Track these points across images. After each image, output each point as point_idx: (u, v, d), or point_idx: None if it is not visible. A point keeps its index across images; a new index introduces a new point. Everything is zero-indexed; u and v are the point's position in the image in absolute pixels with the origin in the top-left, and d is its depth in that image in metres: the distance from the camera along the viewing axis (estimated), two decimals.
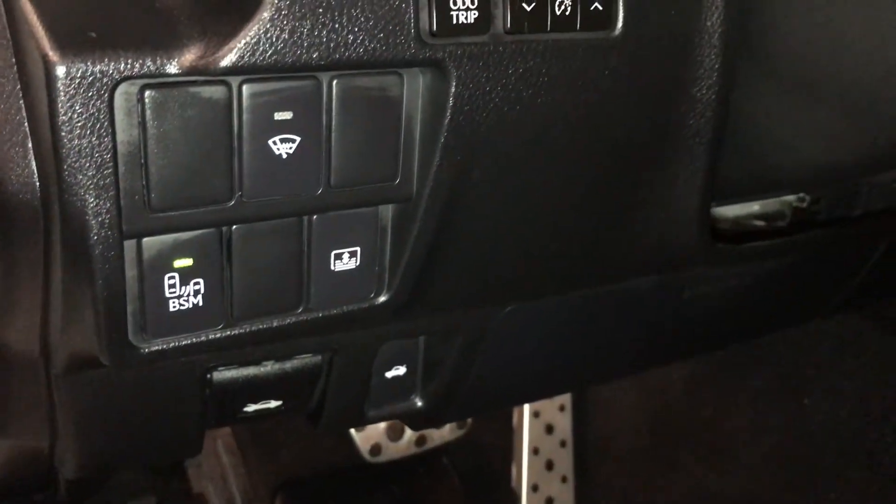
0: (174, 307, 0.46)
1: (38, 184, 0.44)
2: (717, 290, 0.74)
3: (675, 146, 0.57)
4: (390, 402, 0.65)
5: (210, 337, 0.48)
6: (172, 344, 0.47)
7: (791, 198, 0.75)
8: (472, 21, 0.45)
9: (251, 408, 0.58)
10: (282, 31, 0.42)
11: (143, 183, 0.43)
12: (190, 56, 0.41)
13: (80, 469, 0.57)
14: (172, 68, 0.41)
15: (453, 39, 0.45)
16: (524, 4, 0.47)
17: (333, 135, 0.46)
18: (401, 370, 0.63)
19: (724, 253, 0.67)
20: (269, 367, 0.56)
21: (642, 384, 1.38)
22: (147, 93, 0.41)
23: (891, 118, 0.55)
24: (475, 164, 0.50)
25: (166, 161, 0.42)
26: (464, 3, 0.45)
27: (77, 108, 0.39)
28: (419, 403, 0.66)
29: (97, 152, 0.41)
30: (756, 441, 1.28)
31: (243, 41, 0.41)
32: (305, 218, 0.48)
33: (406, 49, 0.44)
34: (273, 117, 0.44)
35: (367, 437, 1.25)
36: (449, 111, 0.47)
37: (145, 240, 0.44)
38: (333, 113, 0.45)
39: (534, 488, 1.37)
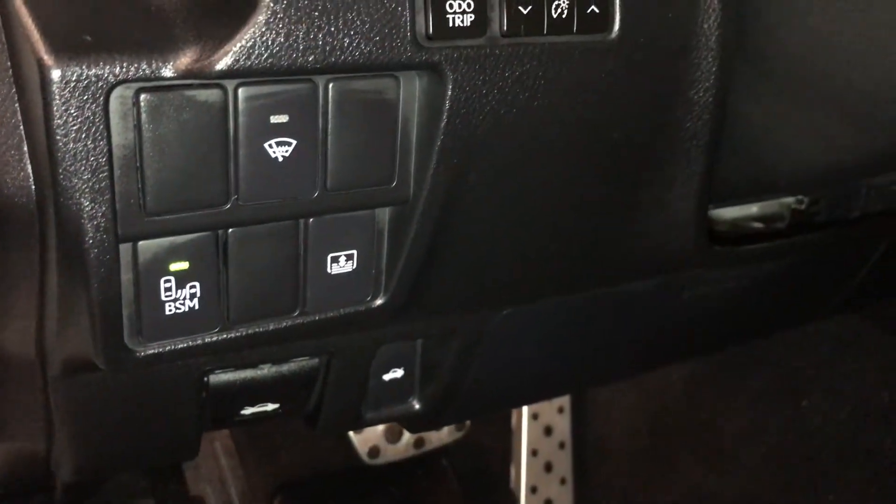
0: (170, 310, 0.46)
1: (33, 187, 0.44)
2: (716, 291, 0.74)
3: (672, 149, 0.56)
4: (388, 404, 0.65)
5: (206, 340, 0.48)
6: (168, 347, 0.47)
7: (789, 199, 0.75)
8: (469, 24, 0.45)
9: (248, 411, 0.58)
10: (277, 34, 0.42)
11: (139, 186, 0.43)
12: (185, 59, 0.41)
13: (77, 472, 0.57)
14: (168, 72, 0.41)
15: (449, 42, 0.45)
16: (520, 7, 0.46)
17: (329, 138, 0.46)
18: (398, 373, 0.63)
19: (722, 255, 0.67)
20: (266, 370, 0.56)
21: (641, 385, 1.38)
22: (142, 96, 0.41)
23: (887, 120, 0.55)
24: (472, 167, 0.50)
25: (162, 164, 0.42)
26: (460, 7, 0.45)
27: (72, 111, 0.39)
28: (417, 406, 0.66)
29: (92, 156, 0.41)
30: (755, 442, 1.28)
31: (239, 44, 0.41)
32: (302, 221, 0.48)
33: (402, 52, 0.44)
34: (269, 120, 0.44)
35: (366, 439, 1.25)
36: (445, 114, 0.47)
37: (141, 243, 0.44)
38: (329, 116, 0.45)
39: (533, 490, 1.37)
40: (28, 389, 0.53)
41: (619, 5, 0.49)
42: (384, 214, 0.51)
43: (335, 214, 0.49)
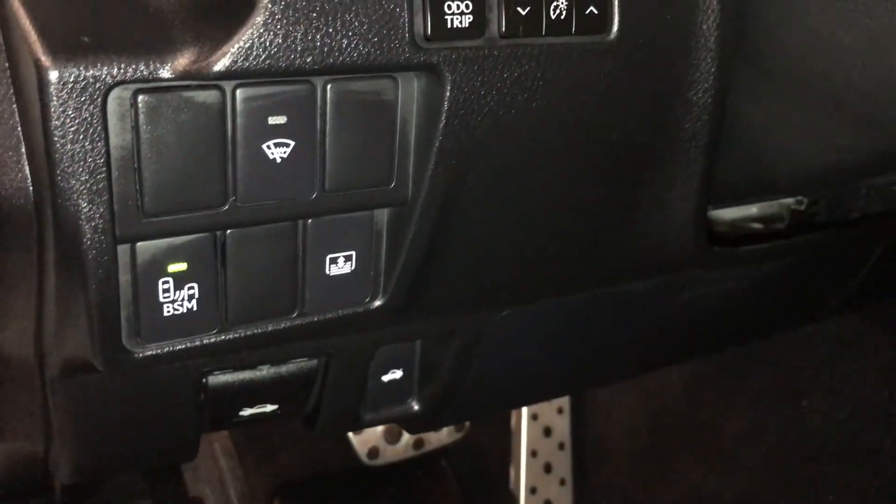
0: (168, 312, 0.46)
1: (31, 188, 0.44)
2: (715, 292, 0.74)
3: (671, 150, 0.56)
4: (387, 405, 0.65)
5: (205, 341, 0.48)
6: (167, 349, 0.47)
7: (789, 200, 0.75)
8: (467, 25, 0.45)
9: (247, 412, 0.58)
10: (275, 35, 0.41)
11: (137, 187, 0.42)
12: (183, 60, 0.41)
13: (76, 473, 0.57)
14: (166, 73, 0.41)
15: (448, 43, 0.45)
16: (519, 8, 0.46)
17: (328, 139, 0.46)
18: (397, 374, 0.63)
19: (722, 256, 0.67)
20: (264, 372, 0.56)
21: (641, 386, 1.38)
22: (140, 97, 0.41)
23: (887, 121, 0.55)
24: (470, 168, 0.50)
25: (160, 166, 0.42)
26: (458, 8, 0.45)
27: (70, 112, 0.39)
28: (416, 407, 0.66)
29: (90, 157, 0.41)
30: (755, 442, 1.28)
31: (237, 45, 0.41)
32: (300, 222, 0.48)
33: (400, 53, 0.44)
34: (267, 121, 0.44)
35: (365, 440, 1.25)
36: (444, 115, 0.47)
37: (139, 244, 0.44)
38: (328, 117, 0.45)
39: (532, 491, 1.36)
40: (26, 390, 0.53)
41: (618, 6, 0.49)
42: (383, 215, 0.51)
43: (333, 215, 0.49)
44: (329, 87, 0.45)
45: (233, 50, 0.41)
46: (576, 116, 0.51)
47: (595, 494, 1.41)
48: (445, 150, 0.48)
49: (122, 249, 0.44)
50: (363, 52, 0.43)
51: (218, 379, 0.55)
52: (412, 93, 0.47)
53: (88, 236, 0.42)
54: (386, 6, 0.43)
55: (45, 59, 0.39)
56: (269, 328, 0.50)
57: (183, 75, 0.41)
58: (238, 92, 0.43)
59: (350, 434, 1.24)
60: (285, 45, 0.42)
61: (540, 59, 0.48)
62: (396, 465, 1.28)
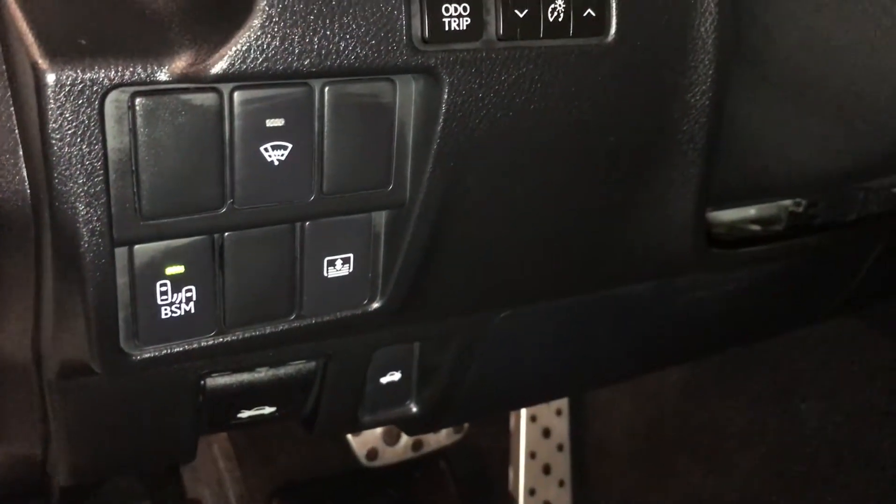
0: (166, 314, 0.46)
1: (28, 191, 0.44)
2: (714, 294, 0.74)
3: (669, 152, 0.56)
4: (385, 407, 0.65)
5: (202, 344, 0.48)
6: (164, 351, 0.47)
7: (787, 202, 0.75)
8: (465, 28, 0.45)
9: (245, 414, 0.58)
10: (273, 38, 0.41)
11: (134, 190, 0.42)
12: (181, 63, 0.41)
13: (74, 475, 0.57)
14: (163, 75, 0.41)
15: (445, 46, 0.45)
16: (517, 11, 0.46)
17: (326, 141, 0.46)
18: (395, 376, 0.63)
19: (720, 258, 0.67)
20: (262, 374, 0.56)
21: (639, 388, 1.38)
22: (138, 100, 0.41)
23: (883, 124, 0.55)
24: (468, 171, 0.50)
25: (157, 168, 0.42)
26: (456, 10, 0.45)
27: (67, 115, 0.39)
28: (414, 409, 0.66)
29: (87, 160, 0.41)
30: (753, 444, 1.28)
31: (234, 48, 0.41)
32: (298, 225, 0.48)
33: (398, 56, 0.44)
34: (265, 124, 0.44)
35: (364, 441, 1.25)
36: (442, 118, 0.47)
37: (137, 247, 0.44)
38: (325, 120, 0.45)
39: (531, 492, 1.36)
40: (24, 393, 0.53)
41: (616, 8, 0.49)
42: (380, 218, 0.51)
43: (331, 218, 0.49)
44: (327, 89, 0.45)
45: (230, 52, 0.41)
46: (574, 119, 0.51)
47: (594, 496, 1.41)
48: (443, 152, 0.48)
49: (120, 252, 0.44)
50: (361, 54, 0.43)
51: (216, 381, 0.55)
52: (410, 95, 0.47)
53: (86, 239, 0.42)
54: (383, 9, 0.43)
55: (42, 62, 0.39)
56: (267, 330, 0.50)
57: (180, 78, 0.41)
58: (235, 94, 0.43)
59: (349, 435, 1.24)
60: (283, 47, 0.42)
61: (538, 61, 0.48)
62: (395, 466, 1.28)
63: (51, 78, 0.39)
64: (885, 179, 0.76)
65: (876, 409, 1.19)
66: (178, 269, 0.46)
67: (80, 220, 0.41)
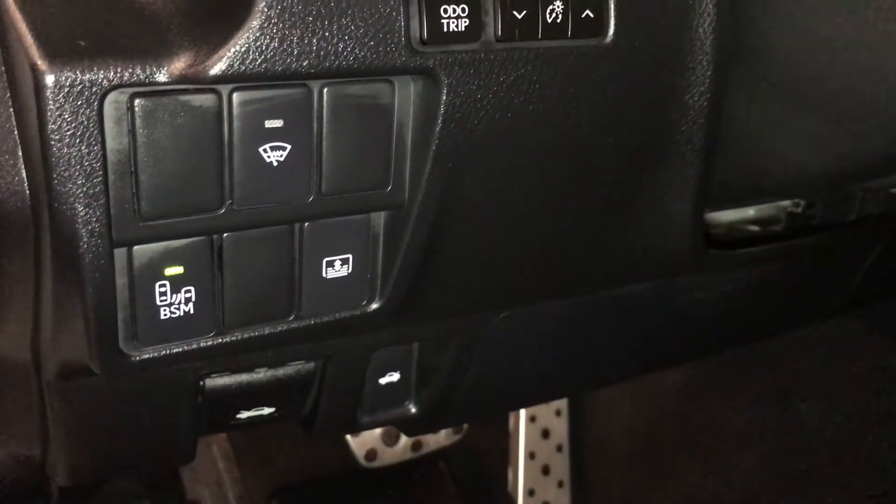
0: (165, 315, 0.46)
1: (27, 192, 0.44)
2: (713, 295, 0.74)
3: (667, 153, 0.57)
4: (384, 408, 0.65)
5: (201, 345, 0.48)
6: (164, 352, 0.47)
7: (786, 203, 0.75)
8: (463, 29, 0.45)
9: (244, 415, 0.58)
10: (272, 39, 0.42)
11: (133, 191, 0.43)
12: (180, 64, 0.41)
13: (73, 476, 0.57)
14: (162, 77, 0.41)
15: (444, 47, 0.45)
16: (515, 12, 0.46)
17: (324, 142, 0.46)
18: (394, 376, 0.63)
19: (719, 259, 0.67)
20: (261, 374, 0.56)
21: (638, 389, 1.38)
22: (137, 101, 0.41)
23: (882, 125, 0.55)
24: (467, 172, 0.50)
25: (156, 169, 0.42)
26: (454, 11, 0.45)
27: (66, 116, 0.39)
28: (413, 410, 0.66)
29: (87, 161, 0.41)
30: (753, 445, 1.28)
31: (233, 49, 0.41)
32: (297, 225, 0.48)
33: (397, 57, 0.44)
34: (263, 125, 0.44)
35: (363, 442, 1.25)
36: (440, 119, 0.47)
37: (136, 248, 0.44)
38: (324, 121, 0.45)
39: (530, 493, 1.36)
40: (23, 393, 0.53)
41: (614, 9, 0.49)
42: (379, 219, 0.51)
43: (330, 219, 0.49)
44: (325, 90, 0.45)
45: (229, 54, 0.41)
46: (572, 119, 0.51)
47: (593, 496, 1.41)
48: (442, 153, 0.48)
49: (119, 253, 0.44)
50: (359, 55, 0.44)
51: (215, 382, 0.55)
52: (409, 96, 0.47)
53: (85, 240, 0.42)
54: (382, 10, 0.43)
55: (41, 63, 0.39)
56: (266, 331, 0.50)
57: (179, 79, 0.41)
58: (234, 95, 0.43)
59: (348, 436, 1.23)
60: (282, 48, 0.42)
61: (536, 62, 0.48)
62: (394, 467, 1.28)
63: (50, 79, 0.39)
64: (884, 179, 0.76)
65: (876, 409, 1.19)
66: (177, 270, 0.46)
67: (80, 220, 0.42)
